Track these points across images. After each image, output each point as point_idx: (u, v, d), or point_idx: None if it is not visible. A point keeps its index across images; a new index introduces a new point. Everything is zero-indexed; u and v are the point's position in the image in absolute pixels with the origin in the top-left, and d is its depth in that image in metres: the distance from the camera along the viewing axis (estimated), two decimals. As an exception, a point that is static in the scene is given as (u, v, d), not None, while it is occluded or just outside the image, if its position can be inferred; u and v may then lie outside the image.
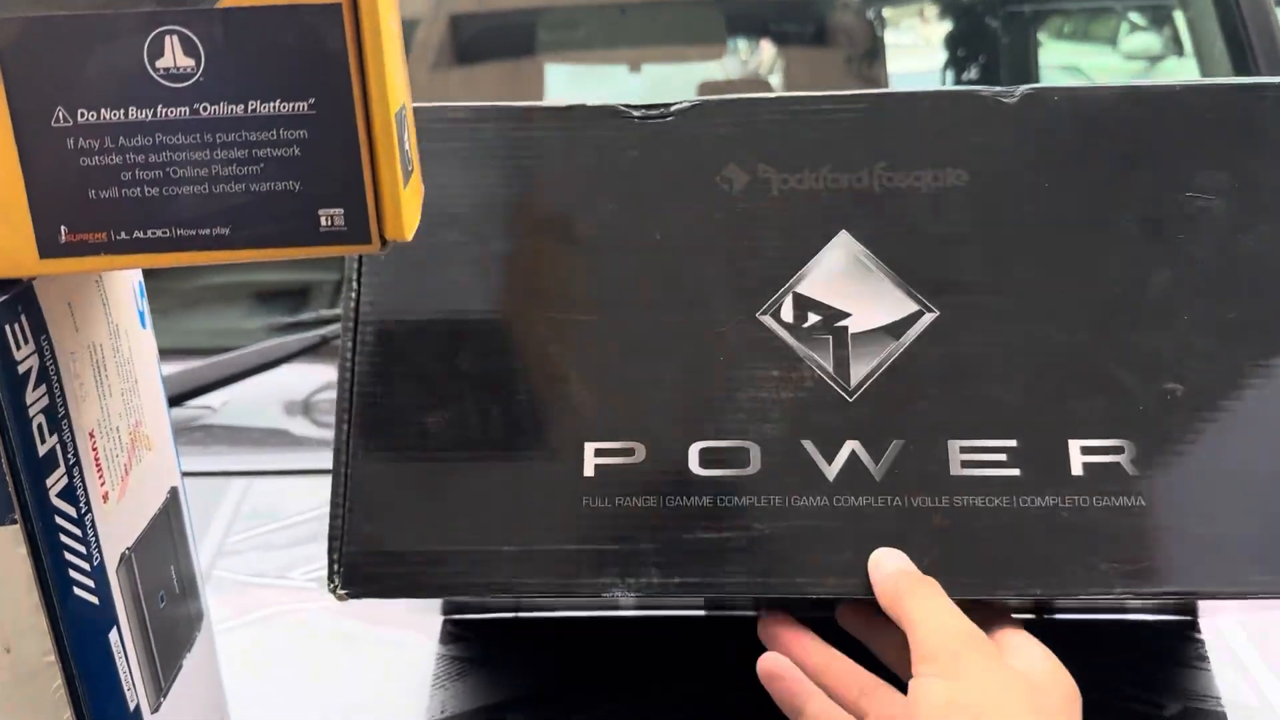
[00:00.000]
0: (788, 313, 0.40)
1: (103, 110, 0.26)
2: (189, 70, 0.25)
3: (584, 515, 0.39)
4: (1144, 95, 0.41)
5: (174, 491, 0.37)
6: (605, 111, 0.41)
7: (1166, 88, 0.41)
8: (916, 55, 2.56)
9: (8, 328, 0.27)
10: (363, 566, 0.39)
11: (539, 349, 0.40)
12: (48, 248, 0.26)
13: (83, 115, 0.26)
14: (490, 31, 1.38)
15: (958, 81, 1.73)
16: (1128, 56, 4.52)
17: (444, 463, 0.40)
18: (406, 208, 0.27)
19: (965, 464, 0.38)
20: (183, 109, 0.25)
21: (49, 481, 0.28)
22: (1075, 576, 0.37)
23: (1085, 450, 0.38)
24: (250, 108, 0.25)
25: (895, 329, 0.39)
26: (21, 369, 0.27)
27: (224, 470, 0.70)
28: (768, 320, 0.40)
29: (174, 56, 0.25)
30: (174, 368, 0.78)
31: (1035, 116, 0.41)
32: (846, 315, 0.40)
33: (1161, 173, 0.40)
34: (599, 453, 0.39)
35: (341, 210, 0.26)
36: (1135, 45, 4.60)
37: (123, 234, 0.26)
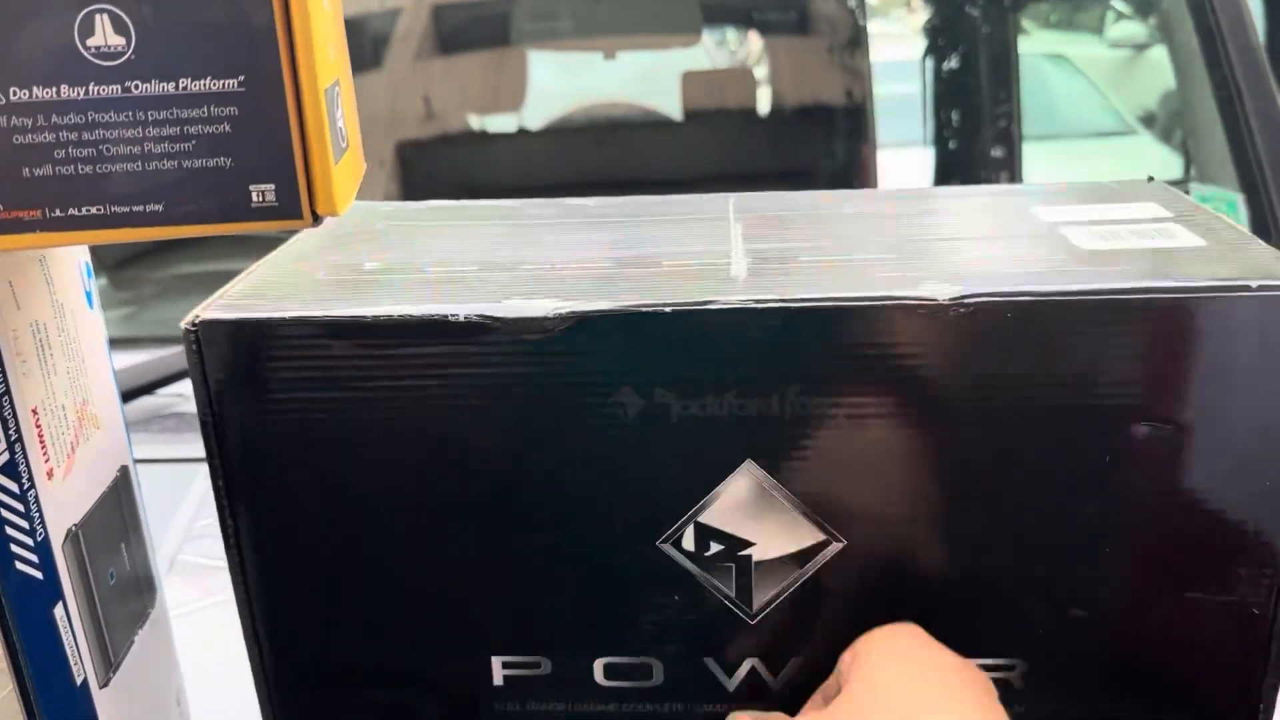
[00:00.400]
0: (689, 541, 0.38)
1: (34, 89, 0.26)
2: (119, 48, 0.26)
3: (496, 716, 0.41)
4: (1105, 306, 0.34)
5: (124, 471, 0.37)
6: (477, 328, 0.35)
7: (1131, 297, 0.34)
8: (904, 43, 2.56)
9: (-56, 304, 0.27)
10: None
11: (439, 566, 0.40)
12: (-19, 224, 0.27)
13: (14, 94, 0.26)
14: (471, 21, 1.38)
15: (938, 71, 1.73)
16: (1113, 45, 4.53)
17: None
18: (340, 184, 0.28)
19: None
20: (114, 87, 0.26)
21: (-11, 457, 0.29)
22: None
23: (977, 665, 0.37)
24: (181, 85, 0.26)
25: (800, 557, 0.38)
26: (-41, 345, 0.28)
27: (195, 457, 0.71)
28: (668, 549, 0.38)
29: (104, 35, 0.25)
30: (148, 356, 0.78)
31: (977, 329, 0.35)
32: (750, 544, 0.38)
33: (1116, 399, 0.35)
34: (506, 665, 0.40)
35: (273, 186, 0.27)
36: (1121, 33, 4.61)
37: (57, 211, 0.27)
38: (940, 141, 1.73)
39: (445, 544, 0.39)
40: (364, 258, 0.42)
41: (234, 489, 0.38)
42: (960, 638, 0.37)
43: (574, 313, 0.35)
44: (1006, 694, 0.38)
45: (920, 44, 1.90)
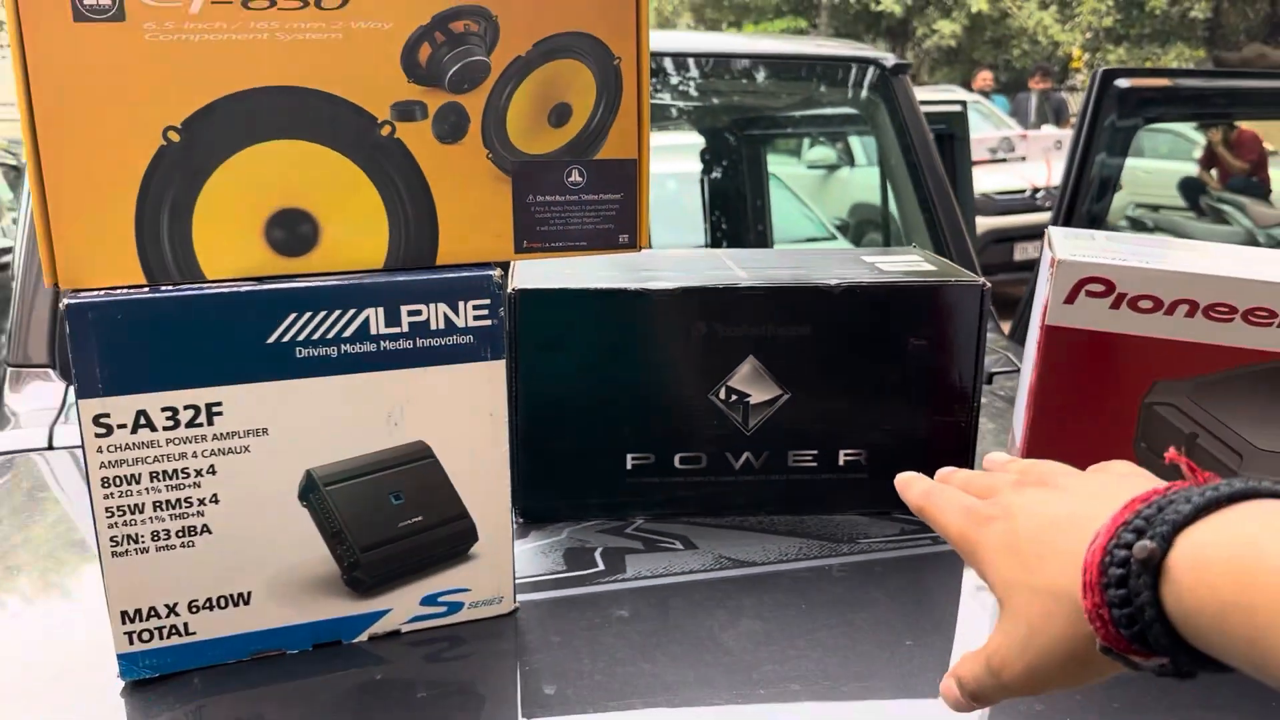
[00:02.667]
0: (723, 394, 0.85)
1: (545, 196, 0.69)
2: (580, 184, 0.70)
3: (630, 486, 0.86)
4: (902, 288, 0.83)
5: None
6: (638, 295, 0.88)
7: (902, 285, 0.84)
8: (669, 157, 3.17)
9: None
10: None
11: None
12: (518, 248, 0.70)
13: (535, 198, 0.69)
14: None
15: (709, 181, 2.29)
16: (810, 166, 5.48)
17: None
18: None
19: (794, 459, 0.87)
20: (575, 197, 0.70)
21: None
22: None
23: (845, 454, 0.88)
24: (601, 197, 0.70)
25: (770, 403, 0.85)
26: None
27: None
28: (713, 398, 0.85)
29: (576, 176, 0.69)
30: None
31: (846, 300, 0.83)
32: (749, 395, 0.85)
33: (899, 330, 0.84)
34: (633, 458, 0.86)
35: (627, 235, 0.71)
36: (815, 156, 5.58)
37: (541, 244, 0.70)
38: (715, 242, 2.28)
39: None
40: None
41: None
42: (835, 437, 0.86)
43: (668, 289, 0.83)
44: (859, 469, 0.87)
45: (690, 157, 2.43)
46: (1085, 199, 1.49)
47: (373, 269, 0.66)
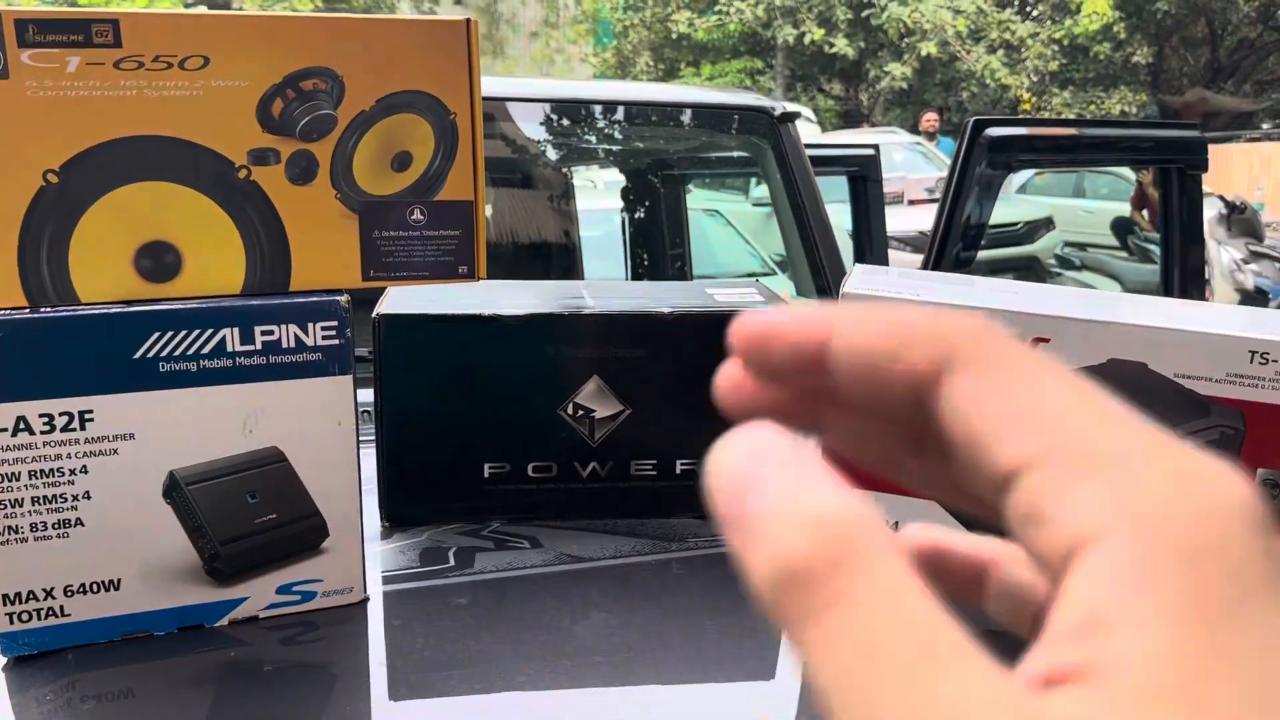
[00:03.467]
0: (570, 409, 0.95)
1: (387, 232, 0.79)
2: (421, 221, 0.80)
3: (486, 492, 0.96)
4: (720, 317, 1.01)
5: None
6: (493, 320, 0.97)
7: (726, 314, 1.01)
8: (595, 195, 3.30)
9: None
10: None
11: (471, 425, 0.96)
12: (365, 276, 0.79)
13: (380, 233, 0.79)
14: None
15: (630, 219, 2.41)
16: (755, 203, 5.65)
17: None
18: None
19: (636, 468, 0.97)
20: (418, 232, 0.80)
21: None
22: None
23: (681, 463, 0.99)
24: (440, 233, 0.80)
25: (614, 417, 0.96)
26: None
27: None
28: (561, 412, 0.95)
29: (417, 215, 0.79)
30: None
31: (677, 326, 0.95)
32: (594, 410, 0.95)
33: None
34: (490, 466, 0.96)
35: (466, 266, 0.81)
36: (760, 194, 5.74)
37: (384, 274, 0.80)
38: (636, 276, 2.39)
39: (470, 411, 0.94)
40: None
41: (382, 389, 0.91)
42: (672, 448, 0.97)
43: (536, 314, 0.93)
44: (694, 476, 0.97)
45: (608, 195, 2.56)
46: (954, 244, 1.61)
47: (231, 294, 0.75)
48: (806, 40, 13.71)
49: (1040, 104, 13.77)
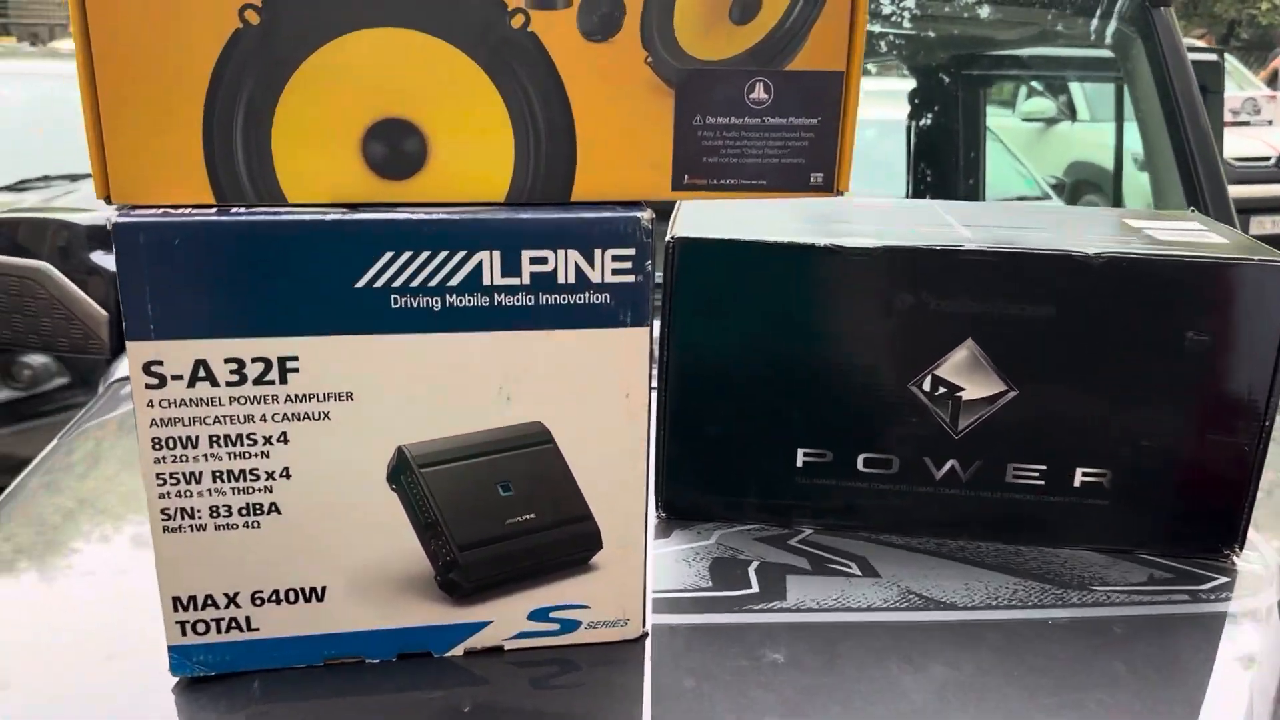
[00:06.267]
0: (927, 385, 0.67)
1: (717, 118, 0.53)
2: (764, 101, 0.53)
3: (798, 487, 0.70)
4: (1182, 265, 0.63)
5: None
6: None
7: (1185, 261, 0.63)
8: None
9: None
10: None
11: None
12: (676, 184, 0.54)
13: (705, 119, 0.53)
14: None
15: (916, 128, 2.06)
16: (1025, 118, 5.03)
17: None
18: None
19: (1015, 474, 0.68)
20: (758, 119, 0.53)
21: None
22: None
23: (1083, 472, 0.68)
24: (790, 121, 0.54)
25: (990, 400, 0.67)
26: None
27: None
28: (914, 389, 0.67)
29: (759, 93, 0.53)
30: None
31: (1104, 276, 0.63)
32: (961, 388, 0.67)
33: (1175, 319, 0.64)
34: (805, 454, 0.69)
35: (821, 175, 0.55)
36: (1032, 108, 5.11)
37: (715, 181, 0.54)
38: (917, 193, 2.06)
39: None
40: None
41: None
42: (1071, 451, 0.67)
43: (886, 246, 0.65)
44: (1099, 493, 0.68)
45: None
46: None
47: (491, 201, 0.51)
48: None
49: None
